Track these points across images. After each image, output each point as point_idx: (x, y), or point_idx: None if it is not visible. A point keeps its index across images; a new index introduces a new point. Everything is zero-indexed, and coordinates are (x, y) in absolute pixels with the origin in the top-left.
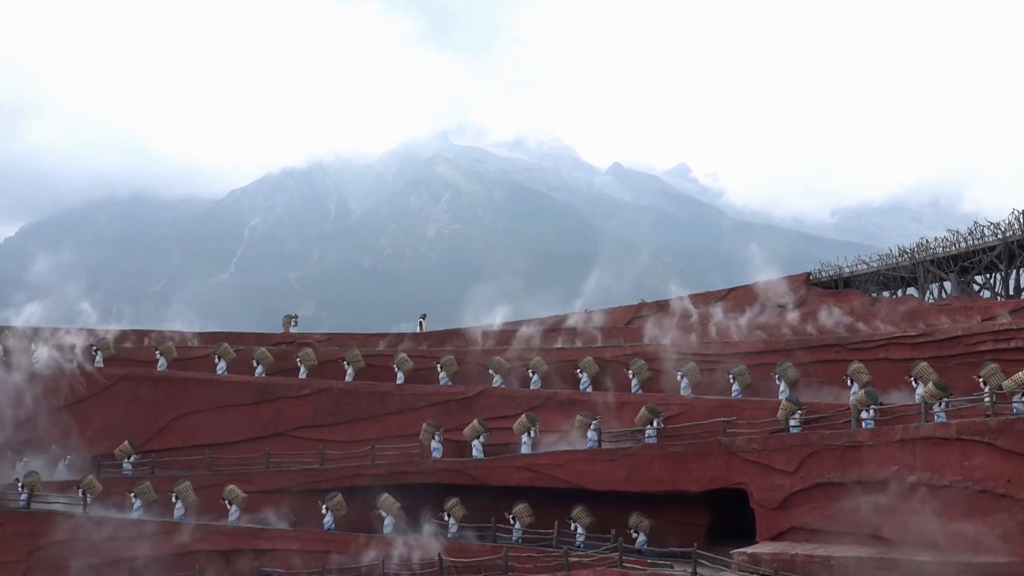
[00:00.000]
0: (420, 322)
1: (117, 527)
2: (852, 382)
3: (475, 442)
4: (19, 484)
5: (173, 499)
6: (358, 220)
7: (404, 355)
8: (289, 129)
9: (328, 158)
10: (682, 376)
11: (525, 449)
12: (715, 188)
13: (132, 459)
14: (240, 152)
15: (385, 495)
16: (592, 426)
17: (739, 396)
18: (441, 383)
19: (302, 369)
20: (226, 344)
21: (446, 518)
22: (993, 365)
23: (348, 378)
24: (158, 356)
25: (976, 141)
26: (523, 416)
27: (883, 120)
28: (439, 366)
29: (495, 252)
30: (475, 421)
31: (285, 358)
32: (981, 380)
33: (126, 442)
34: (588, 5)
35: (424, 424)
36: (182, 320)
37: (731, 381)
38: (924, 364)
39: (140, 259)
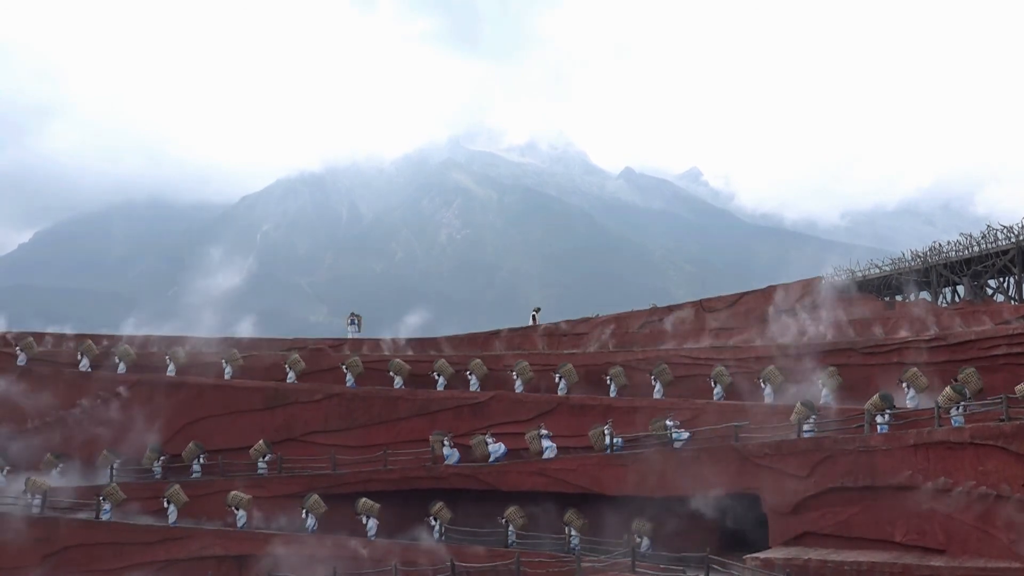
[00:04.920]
0: (533, 315)
1: (126, 533)
2: (908, 387)
3: (491, 446)
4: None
5: (165, 503)
6: (370, 225)
7: (443, 362)
8: (302, 134)
9: (342, 163)
10: (714, 382)
11: (549, 454)
12: (726, 192)
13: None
14: (253, 157)
15: (364, 499)
16: (606, 430)
17: (771, 400)
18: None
19: (349, 377)
20: (235, 350)
21: (432, 522)
22: None
23: (397, 386)
24: (225, 365)
25: (988, 144)
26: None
27: (893, 124)
28: (557, 376)
29: (507, 257)
30: (477, 436)
31: (295, 362)
32: None
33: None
34: (598, 10)
35: (432, 435)
36: (193, 325)
37: (762, 385)
38: (972, 370)
39: (153, 264)
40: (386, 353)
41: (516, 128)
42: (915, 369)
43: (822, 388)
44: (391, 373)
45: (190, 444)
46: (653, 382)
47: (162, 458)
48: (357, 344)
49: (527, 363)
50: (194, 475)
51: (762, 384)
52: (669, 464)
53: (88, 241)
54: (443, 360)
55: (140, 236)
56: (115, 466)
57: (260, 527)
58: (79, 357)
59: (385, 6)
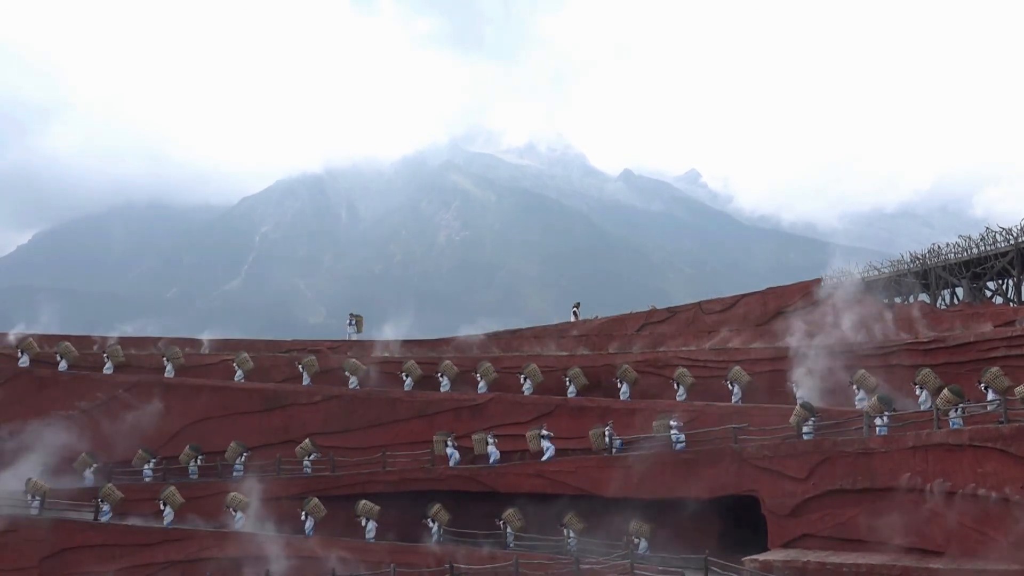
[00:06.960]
0: (574, 311)
1: (124, 534)
2: (858, 388)
3: (491, 448)
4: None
5: (161, 505)
6: (369, 227)
7: (412, 363)
8: (302, 136)
9: (342, 165)
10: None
11: (548, 455)
12: (725, 194)
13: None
14: (253, 159)
15: (363, 501)
16: (607, 432)
17: (738, 401)
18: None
19: (305, 376)
20: (176, 348)
21: (431, 524)
22: (995, 369)
23: (352, 386)
24: (165, 363)
25: (986, 146)
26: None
27: (891, 126)
28: (522, 376)
29: (506, 258)
30: (479, 433)
31: (293, 364)
32: (982, 385)
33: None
34: (598, 12)
35: (435, 435)
36: (193, 327)
37: (730, 387)
38: (928, 371)
39: (153, 265)
40: (384, 355)
41: (515, 130)
42: (863, 371)
43: (796, 389)
44: (347, 373)
45: (232, 444)
46: (619, 384)
47: (152, 461)
48: (372, 346)
49: (490, 364)
50: (236, 474)
51: (729, 385)
52: (668, 466)
53: (87, 242)
54: (412, 362)
55: (139, 237)
56: (150, 466)
57: (259, 528)
58: (19, 355)
59: (386, 7)
